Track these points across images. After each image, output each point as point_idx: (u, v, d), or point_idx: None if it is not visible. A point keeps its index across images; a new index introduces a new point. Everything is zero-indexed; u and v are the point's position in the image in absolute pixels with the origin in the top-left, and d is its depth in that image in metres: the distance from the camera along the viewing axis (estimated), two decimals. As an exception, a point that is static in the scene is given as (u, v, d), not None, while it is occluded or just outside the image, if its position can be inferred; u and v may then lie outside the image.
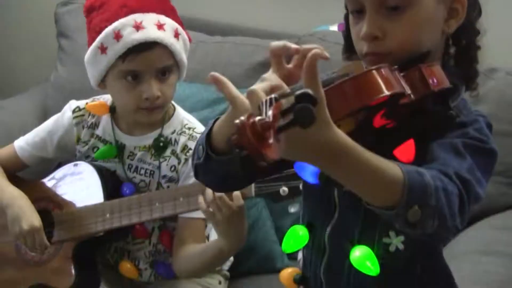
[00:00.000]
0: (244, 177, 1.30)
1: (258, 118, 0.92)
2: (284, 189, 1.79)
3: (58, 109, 2.31)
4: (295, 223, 1.48)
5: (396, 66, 1.20)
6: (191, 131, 2.05)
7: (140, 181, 2.05)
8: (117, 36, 1.92)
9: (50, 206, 2.09)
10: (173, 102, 2.10)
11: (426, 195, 1.11)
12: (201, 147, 1.27)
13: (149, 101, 1.94)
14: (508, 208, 2.25)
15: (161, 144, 2.03)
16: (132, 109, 1.98)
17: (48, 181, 2.15)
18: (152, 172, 2.04)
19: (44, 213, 2.06)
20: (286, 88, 1.10)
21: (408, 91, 1.18)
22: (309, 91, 0.91)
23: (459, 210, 1.15)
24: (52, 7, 2.89)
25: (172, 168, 2.03)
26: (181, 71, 2.03)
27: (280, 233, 2.27)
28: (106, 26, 1.94)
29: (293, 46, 1.21)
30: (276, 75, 1.18)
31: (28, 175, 2.23)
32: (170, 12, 2.00)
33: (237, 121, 0.93)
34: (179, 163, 2.02)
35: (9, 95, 2.95)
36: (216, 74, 1.18)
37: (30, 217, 2.00)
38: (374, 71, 1.13)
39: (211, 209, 1.81)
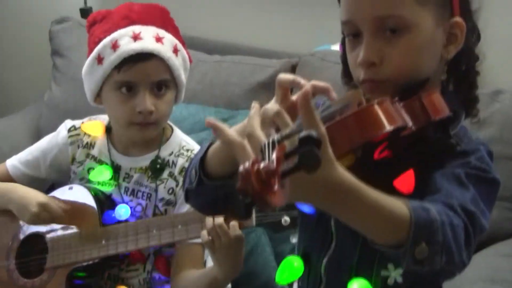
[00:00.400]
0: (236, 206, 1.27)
1: (262, 165, 0.89)
2: (286, 219, 1.76)
3: (52, 129, 2.27)
4: (294, 250, 1.45)
5: (396, 98, 1.18)
6: (189, 153, 2.02)
7: (136, 205, 2.01)
8: (114, 46, 1.89)
9: (43, 230, 2.04)
10: (170, 123, 2.07)
11: (433, 231, 1.09)
12: (194, 171, 1.25)
13: (142, 115, 1.90)
14: (512, 235, 2.20)
15: (158, 166, 1.99)
16: (125, 123, 1.94)
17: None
18: (149, 195, 2.00)
19: (37, 237, 2.01)
20: (288, 122, 1.06)
21: (410, 123, 1.16)
22: (313, 133, 0.89)
23: (465, 244, 1.14)
24: (47, 25, 2.85)
25: (170, 191, 1.99)
26: (180, 90, 1.99)
27: (280, 259, 2.19)
28: (105, 37, 1.92)
29: (303, 81, 1.17)
30: (279, 106, 1.14)
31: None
32: (172, 29, 1.98)
33: (241, 168, 0.90)
34: (177, 186, 1.98)
35: (2, 114, 2.91)
36: (212, 120, 1.14)
37: (34, 199, 1.95)
38: (376, 106, 1.11)
39: (209, 237, 1.78)
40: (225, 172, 1.22)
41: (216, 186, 1.22)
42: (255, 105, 1.12)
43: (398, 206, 1.08)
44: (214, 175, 1.23)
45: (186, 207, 1.94)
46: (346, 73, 1.37)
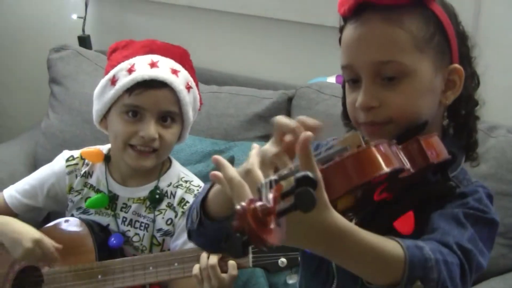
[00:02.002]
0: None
1: (259, 203, 0.90)
2: (282, 260, 1.77)
3: (48, 157, 2.28)
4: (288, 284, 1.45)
5: (394, 140, 1.19)
6: (188, 184, 2.03)
7: (134, 235, 2.01)
8: (130, 70, 1.92)
9: (39, 263, 2.03)
10: (169, 155, 2.07)
11: (427, 269, 1.09)
12: (195, 212, 1.27)
13: (143, 140, 1.91)
14: (509, 271, 2.19)
15: (157, 196, 2.00)
16: (122, 144, 1.94)
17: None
18: (146, 226, 2.00)
19: (33, 270, 2.01)
20: (287, 163, 1.09)
21: (408, 165, 1.17)
22: (309, 174, 0.90)
23: (461, 280, 1.14)
24: (45, 52, 2.85)
25: (169, 222, 1.99)
26: (185, 127, 2.01)
27: (273, 291, 2.22)
28: (123, 61, 1.94)
29: (301, 129, 1.16)
30: (275, 148, 1.16)
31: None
32: (189, 68, 2.01)
33: (238, 206, 0.91)
34: (176, 216, 1.99)
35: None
36: (218, 156, 1.16)
37: (28, 234, 1.95)
38: (373, 148, 1.11)
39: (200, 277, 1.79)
40: (224, 213, 1.24)
41: (216, 227, 1.23)
42: (255, 146, 1.14)
43: (392, 246, 1.08)
44: (215, 216, 1.24)
45: (183, 238, 1.95)
46: (346, 115, 1.37)
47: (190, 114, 1.98)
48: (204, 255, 1.78)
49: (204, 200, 1.26)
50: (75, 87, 2.71)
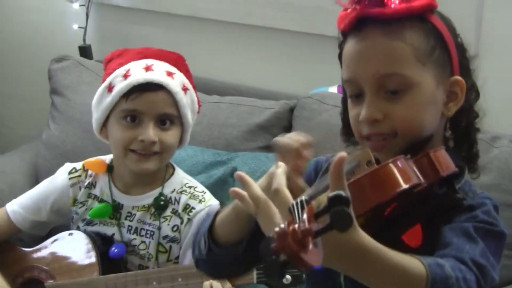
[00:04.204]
0: (244, 265, 1.32)
1: (297, 225, 0.90)
2: (287, 278, 1.75)
3: (49, 167, 2.28)
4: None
5: (408, 156, 1.19)
6: (192, 190, 2.03)
7: (140, 243, 2.00)
8: (126, 75, 1.92)
9: (42, 276, 2.03)
10: (172, 162, 2.07)
11: (449, 287, 1.09)
12: (203, 240, 1.27)
13: (143, 144, 1.90)
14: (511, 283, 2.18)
15: (162, 202, 2.00)
16: (123, 149, 1.94)
17: (41, 249, 2.09)
18: (152, 233, 2.00)
19: (36, 284, 2.01)
20: (298, 181, 1.11)
21: (422, 180, 1.17)
22: (342, 193, 0.90)
23: None
24: (46, 63, 2.85)
25: (175, 228, 1.99)
26: (185, 130, 2.00)
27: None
28: (118, 68, 1.95)
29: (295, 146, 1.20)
30: (282, 169, 1.16)
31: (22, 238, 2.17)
32: (184, 71, 2.01)
33: (277, 229, 0.91)
34: (181, 223, 1.99)
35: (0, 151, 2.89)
36: (242, 173, 1.17)
37: None
38: (391, 165, 1.12)
39: None
40: (234, 239, 1.24)
41: (226, 253, 1.23)
42: (281, 164, 1.14)
43: (415, 264, 1.08)
44: (223, 243, 1.24)
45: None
46: (345, 131, 1.38)
47: (189, 116, 1.98)
48: (207, 284, 1.78)
49: (210, 227, 1.26)
50: (76, 98, 2.71)
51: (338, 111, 2.30)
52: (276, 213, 1.06)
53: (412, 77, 1.25)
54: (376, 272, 1.06)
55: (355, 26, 1.28)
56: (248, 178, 1.14)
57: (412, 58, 1.25)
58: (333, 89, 2.56)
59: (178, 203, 2.01)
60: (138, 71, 1.91)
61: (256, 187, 1.12)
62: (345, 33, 1.32)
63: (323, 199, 1.02)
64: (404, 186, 1.11)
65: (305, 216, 0.92)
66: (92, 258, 1.96)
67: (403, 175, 1.12)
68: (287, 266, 0.90)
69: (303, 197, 0.96)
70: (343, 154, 1.02)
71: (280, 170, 1.11)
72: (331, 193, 0.91)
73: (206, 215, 1.34)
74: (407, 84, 1.25)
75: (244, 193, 1.15)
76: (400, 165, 1.13)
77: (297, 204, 0.95)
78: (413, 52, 1.25)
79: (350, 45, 1.29)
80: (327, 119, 2.39)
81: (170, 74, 1.94)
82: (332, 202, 0.90)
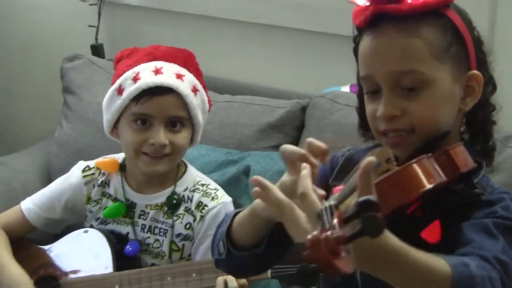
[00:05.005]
0: (264, 265, 1.31)
1: (330, 232, 0.90)
2: None
3: (62, 166, 2.28)
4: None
5: (430, 154, 1.18)
6: (204, 188, 2.03)
7: (154, 241, 2.01)
8: (135, 78, 1.92)
9: (57, 273, 2.04)
10: (184, 160, 2.08)
11: (474, 286, 1.09)
12: (221, 243, 1.27)
13: (154, 147, 1.91)
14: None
15: (175, 201, 2.00)
16: (134, 152, 1.94)
17: (57, 246, 2.10)
18: (165, 231, 2.00)
19: (51, 280, 2.01)
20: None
21: (444, 178, 1.17)
22: (371, 198, 0.90)
23: None
24: (58, 62, 2.86)
25: (188, 226, 1.99)
26: (196, 131, 2.00)
27: (288, 302, 2.20)
28: (128, 70, 1.94)
29: (311, 159, 1.17)
30: (293, 178, 1.16)
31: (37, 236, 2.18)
32: (194, 71, 2.01)
33: (309, 236, 0.91)
34: (194, 220, 1.99)
35: (12, 150, 2.90)
36: (259, 178, 1.14)
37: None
38: (414, 165, 1.12)
39: None
40: (252, 241, 1.24)
41: (245, 255, 1.23)
42: (305, 165, 1.12)
43: (440, 264, 1.08)
44: (242, 246, 1.24)
45: (206, 243, 1.95)
46: (363, 125, 1.38)
47: (199, 117, 1.98)
48: (220, 279, 1.78)
49: (228, 229, 1.26)
50: (88, 96, 2.71)
51: (351, 110, 2.33)
52: (302, 217, 1.04)
53: (429, 74, 1.25)
54: (403, 272, 1.05)
55: (371, 23, 1.28)
56: (266, 182, 1.12)
57: (428, 55, 1.25)
58: (345, 88, 2.56)
59: (191, 201, 2.01)
60: (147, 75, 1.91)
61: (277, 190, 1.10)
62: (361, 29, 1.31)
63: (350, 202, 1.00)
64: (428, 186, 1.11)
65: (335, 221, 0.91)
66: (107, 255, 1.97)
67: (427, 175, 1.12)
68: (318, 273, 0.90)
69: (332, 202, 0.95)
70: (371, 159, 1.01)
71: (305, 172, 1.09)
72: (360, 198, 0.90)
73: (225, 215, 1.33)
74: (424, 81, 1.25)
75: (266, 182, 1.13)
76: (423, 165, 1.13)
77: (325, 209, 0.94)
78: (430, 49, 1.25)
79: (366, 42, 1.29)
80: (340, 118, 2.39)
81: (179, 76, 1.94)
82: (361, 207, 0.89)
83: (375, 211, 0.89)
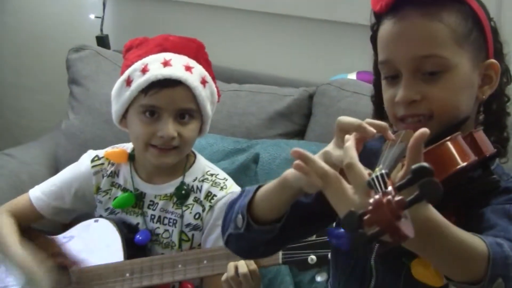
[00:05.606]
0: (276, 245, 1.31)
1: (390, 196, 0.91)
2: (312, 258, 1.76)
3: (69, 157, 2.28)
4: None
5: (459, 132, 1.19)
6: (213, 177, 2.03)
7: (164, 231, 2.01)
8: (144, 70, 1.91)
9: (67, 262, 2.04)
10: (194, 150, 2.08)
11: (508, 267, 1.08)
12: (240, 216, 1.25)
13: (163, 139, 1.90)
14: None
15: (184, 191, 2.00)
16: (143, 144, 1.95)
17: (68, 236, 2.10)
18: (175, 221, 2.00)
19: (61, 270, 2.00)
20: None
21: (476, 158, 1.18)
22: (426, 164, 0.91)
23: None
24: (64, 53, 2.85)
25: (197, 216, 1.99)
26: (205, 122, 2.00)
27: (299, 289, 2.20)
28: (137, 61, 1.94)
29: (369, 128, 1.15)
30: (338, 149, 1.15)
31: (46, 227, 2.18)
32: (204, 62, 2.00)
33: (371, 200, 0.92)
34: (203, 210, 1.99)
35: (19, 142, 2.90)
36: (300, 150, 1.12)
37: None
38: (449, 142, 1.14)
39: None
40: (275, 216, 1.23)
41: (265, 230, 1.22)
42: (350, 137, 1.11)
43: (477, 242, 1.08)
44: (263, 220, 1.23)
45: (216, 233, 1.95)
46: (378, 114, 1.37)
47: (208, 108, 1.97)
48: (231, 264, 1.78)
49: (249, 203, 1.25)
50: (94, 87, 2.71)
51: (358, 98, 2.33)
52: (349, 188, 1.03)
53: (450, 59, 1.24)
54: (444, 247, 1.05)
55: (393, 7, 1.27)
56: (307, 154, 1.11)
57: (450, 40, 1.25)
58: (352, 76, 2.56)
59: (200, 191, 2.01)
60: (156, 67, 1.91)
61: (320, 162, 1.09)
62: (381, 15, 1.31)
63: (394, 175, 1.02)
64: (462, 164, 1.12)
65: (389, 188, 0.92)
66: (117, 244, 1.97)
67: (460, 152, 1.13)
68: (373, 240, 0.90)
69: (383, 171, 0.96)
70: (425, 130, 1.03)
71: (349, 143, 1.07)
72: (414, 165, 0.91)
73: (243, 190, 1.32)
74: (444, 66, 1.24)
75: (307, 153, 1.11)
76: (457, 142, 1.15)
77: (377, 177, 0.95)
78: (451, 34, 1.25)
79: (387, 26, 1.28)
80: (347, 105, 2.39)
81: (188, 68, 1.93)
82: (416, 174, 0.90)
83: (432, 177, 0.89)
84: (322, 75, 2.61)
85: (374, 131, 1.14)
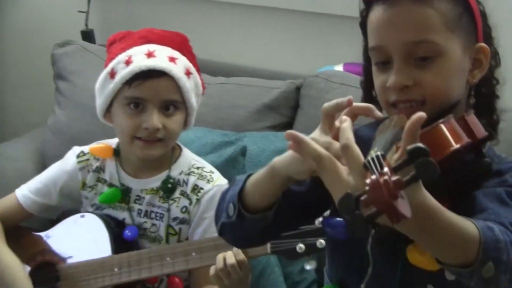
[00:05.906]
0: (269, 234, 1.31)
1: (386, 176, 0.91)
2: (300, 246, 1.76)
3: (56, 153, 2.27)
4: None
5: (451, 115, 1.19)
6: (200, 171, 2.03)
7: (151, 226, 2.01)
8: (128, 61, 1.91)
9: (55, 259, 2.03)
10: (179, 143, 2.07)
11: (499, 250, 1.09)
12: (231, 205, 1.26)
13: (148, 131, 1.90)
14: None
15: (170, 185, 2.00)
16: (129, 137, 1.94)
17: (54, 232, 2.09)
18: (161, 216, 2.00)
19: (48, 266, 2.00)
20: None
21: (469, 140, 1.18)
22: (421, 145, 0.91)
23: None
24: (49, 48, 2.83)
25: (184, 209, 1.99)
26: (190, 114, 1.99)
27: (289, 280, 2.21)
28: (120, 53, 1.93)
29: (345, 99, 1.21)
30: (324, 135, 1.18)
31: (34, 223, 2.17)
32: (188, 54, 2.00)
33: (368, 180, 0.92)
34: (190, 204, 1.99)
35: (6, 138, 2.88)
36: (294, 132, 1.14)
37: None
38: (441, 125, 1.14)
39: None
40: (266, 204, 1.23)
41: (257, 218, 1.23)
42: (346, 118, 1.11)
43: (469, 226, 1.08)
44: (254, 208, 1.23)
45: (203, 226, 1.95)
46: (367, 100, 1.38)
47: (193, 100, 1.97)
48: (220, 256, 1.78)
49: (240, 192, 1.25)
50: (80, 82, 2.70)
51: (346, 89, 2.34)
52: (344, 170, 1.04)
53: (442, 44, 1.25)
54: (436, 231, 1.05)
55: None
56: (301, 136, 1.11)
57: (441, 25, 1.25)
58: (339, 68, 2.56)
59: (187, 184, 2.01)
60: (140, 58, 1.90)
61: (314, 144, 1.09)
62: (370, 1, 1.31)
63: (390, 158, 1.02)
64: (456, 145, 1.13)
65: (386, 169, 0.92)
66: (105, 239, 1.97)
67: (454, 135, 1.14)
68: (371, 221, 0.90)
69: (378, 152, 0.96)
70: (422, 113, 1.03)
71: (346, 124, 1.07)
72: (410, 146, 0.92)
73: (235, 179, 1.32)
74: (436, 51, 1.25)
75: (300, 135, 1.12)
76: (450, 125, 1.15)
77: (373, 159, 0.95)
78: (442, 19, 1.25)
79: (378, 12, 1.28)
80: (335, 97, 2.32)
81: (172, 59, 1.92)
82: (413, 154, 0.91)
83: (427, 157, 0.90)
84: (309, 67, 2.61)
85: (368, 105, 1.17)
